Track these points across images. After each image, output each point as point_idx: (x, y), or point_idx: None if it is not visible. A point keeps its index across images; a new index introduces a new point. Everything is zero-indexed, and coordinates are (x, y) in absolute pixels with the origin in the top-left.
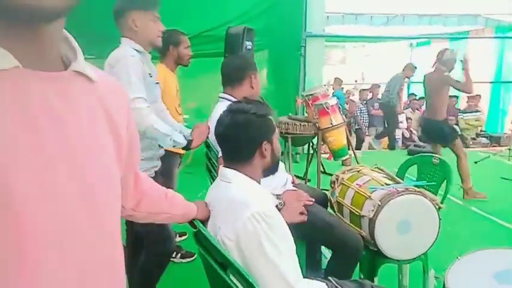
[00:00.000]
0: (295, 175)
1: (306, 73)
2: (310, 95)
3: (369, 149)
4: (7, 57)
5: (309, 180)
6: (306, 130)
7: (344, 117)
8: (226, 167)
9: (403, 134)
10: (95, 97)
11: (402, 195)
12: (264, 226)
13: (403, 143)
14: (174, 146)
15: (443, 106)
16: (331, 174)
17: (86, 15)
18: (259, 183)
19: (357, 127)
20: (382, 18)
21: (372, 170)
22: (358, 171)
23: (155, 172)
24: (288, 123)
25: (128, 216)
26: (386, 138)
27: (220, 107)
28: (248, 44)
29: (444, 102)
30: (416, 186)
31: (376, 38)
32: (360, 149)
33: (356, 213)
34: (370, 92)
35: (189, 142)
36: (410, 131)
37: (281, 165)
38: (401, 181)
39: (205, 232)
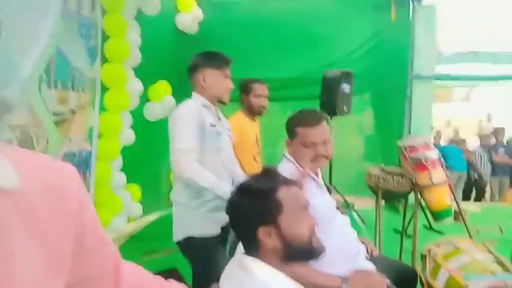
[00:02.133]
0: (394, 229)
1: (411, 117)
2: (408, 145)
3: (490, 200)
4: None
5: (409, 237)
6: (400, 186)
7: (448, 173)
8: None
9: None
10: (14, 212)
11: None
12: None
13: None
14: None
15: None
16: (439, 232)
17: None
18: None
19: (476, 177)
20: (508, 55)
21: (476, 247)
22: (456, 247)
23: (222, 229)
24: (378, 177)
25: None
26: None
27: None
28: (345, 87)
29: None
30: None
31: (498, 78)
32: (479, 201)
33: None
34: (493, 136)
35: None
36: None
37: (352, 232)
38: None
39: None
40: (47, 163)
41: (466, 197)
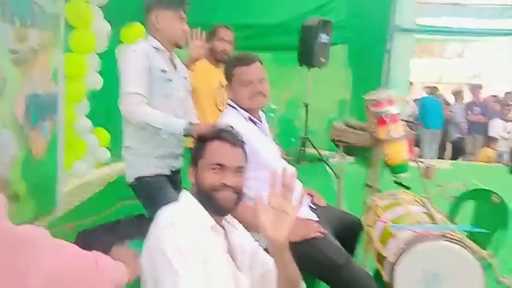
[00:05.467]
0: (366, 184)
1: (390, 70)
2: (373, 100)
3: (463, 159)
4: None
5: (379, 191)
6: (361, 139)
7: (408, 128)
8: None
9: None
10: None
11: (433, 240)
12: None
13: (511, 158)
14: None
15: None
16: (407, 187)
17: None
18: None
19: (458, 135)
20: (495, 9)
21: (415, 200)
22: (397, 199)
23: (172, 171)
24: (340, 130)
25: None
26: (484, 149)
27: None
28: (324, 38)
29: None
30: (465, 231)
31: (481, 32)
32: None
33: (380, 251)
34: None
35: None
36: None
37: (297, 184)
38: (441, 223)
39: None
40: None
41: (441, 154)
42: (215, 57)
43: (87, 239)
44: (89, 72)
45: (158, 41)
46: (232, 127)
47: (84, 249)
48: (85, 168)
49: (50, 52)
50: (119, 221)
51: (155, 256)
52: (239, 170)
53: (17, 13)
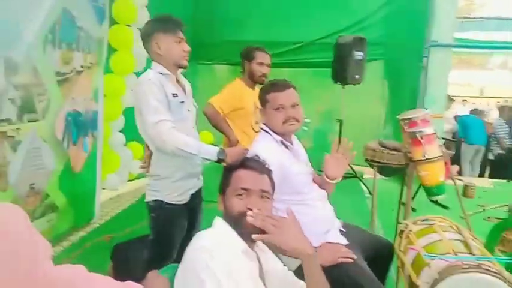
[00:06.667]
0: (402, 203)
1: (427, 87)
2: (408, 119)
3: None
4: None
5: (414, 210)
6: (395, 160)
7: (445, 149)
8: None
9: None
10: None
11: (468, 272)
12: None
13: None
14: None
15: None
16: (445, 207)
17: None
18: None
19: (499, 151)
20: None
21: (451, 227)
22: (432, 225)
23: (192, 195)
24: (374, 150)
25: None
26: None
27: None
28: (358, 54)
29: None
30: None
31: None
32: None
33: (413, 279)
34: None
35: (221, 159)
36: None
37: (326, 206)
38: (477, 252)
39: None
40: None
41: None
42: (253, 80)
43: (124, 251)
44: (126, 91)
45: (163, 65)
46: (258, 156)
47: (121, 261)
48: (118, 181)
49: (92, 73)
50: None
51: (189, 278)
52: (265, 194)
53: (64, 38)
